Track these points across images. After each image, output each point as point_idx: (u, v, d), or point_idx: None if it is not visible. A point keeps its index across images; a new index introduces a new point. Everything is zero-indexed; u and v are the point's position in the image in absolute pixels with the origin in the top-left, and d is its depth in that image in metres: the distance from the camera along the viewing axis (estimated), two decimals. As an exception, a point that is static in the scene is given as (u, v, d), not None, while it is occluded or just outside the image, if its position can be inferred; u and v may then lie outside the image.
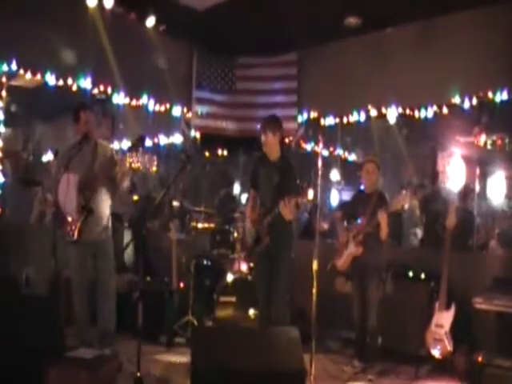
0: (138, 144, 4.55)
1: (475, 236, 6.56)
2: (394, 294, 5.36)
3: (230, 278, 5.70)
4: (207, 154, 9.29)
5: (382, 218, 4.73)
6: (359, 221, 4.95)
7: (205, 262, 6.04)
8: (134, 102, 7.09)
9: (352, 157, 9.51)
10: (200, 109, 7.88)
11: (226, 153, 9.12)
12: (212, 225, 6.53)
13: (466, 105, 6.10)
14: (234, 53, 7.99)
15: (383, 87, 6.78)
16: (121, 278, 5.68)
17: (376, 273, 4.96)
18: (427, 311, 4.99)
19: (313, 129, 7.94)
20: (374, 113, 7.00)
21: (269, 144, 4.53)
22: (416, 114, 6.62)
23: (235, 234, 6.04)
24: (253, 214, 4.62)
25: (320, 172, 4.18)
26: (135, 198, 8.01)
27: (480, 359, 4.32)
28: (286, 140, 7.70)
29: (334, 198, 9.72)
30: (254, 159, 4.88)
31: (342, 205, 5.66)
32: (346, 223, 5.16)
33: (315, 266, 4.16)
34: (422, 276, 5.39)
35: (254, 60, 8.08)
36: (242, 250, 4.97)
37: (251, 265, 5.24)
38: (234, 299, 5.52)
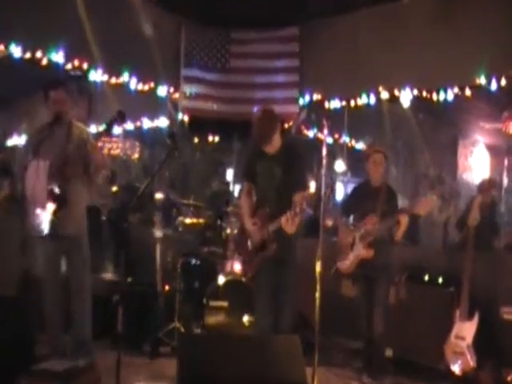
0: (116, 120, 4.41)
1: (502, 235, 6.54)
2: (409, 301, 5.34)
3: (221, 279, 5.68)
4: (197, 139, 9.27)
5: (403, 220, 4.70)
6: (367, 218, 4.90)
7: (193, 262, 6.03)
8: (113, 80, 7.03)
9: (360, 145, 9.51)
10: (189, 89, 7.84)
11: (218, 139, 9.10)
12: (202, 220, 6.51)
13: (493, 86, 6.03)
14: (228, 26, 7.96)
15: (397, 66, 6.75)
16: (98, 278, 5.66)
17: (386, 275, 4.94)
18: (446, 320, 4.94)
19: (316, 113, 7.91)
20: (385, 95, 6.96)
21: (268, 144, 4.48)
22: (434, 96, 6.59)
23: (228, 231, 6.00)
24: (250, 216, 4.52)
25: (324, 161, 4.13)
26: (115, 188, 7.95)
27: (509, 378, 4.29)
28: (286, 125, 7.76)
29: (339, 192, 9.70)
30: (250, 148, 4.79)
31: (344, 199, 5.63)
32: (347, 220, 5.13)
33: (318, 267, 4.09)
34: (440, 280, 5.36)
35: (250, 34, 8.04)
36: (239, 253, 4.90)
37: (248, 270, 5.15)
38: (225, 304, 5.50)
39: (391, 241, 4.87)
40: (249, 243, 4.50)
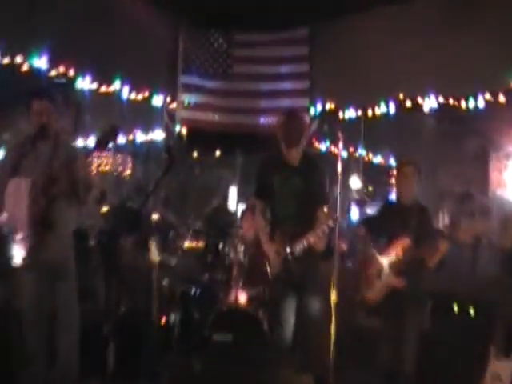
0: (109, 138, 4.40)
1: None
2: (434, 334, 5.31)
3: (224, 309, 5.69)
4: (196, 154, 9.24)
5: (443, 247, 4.65)
6: (397, 242, 4.85)
7: (193, 291, 6.02)
8: (103, 89, 7.07)
9: (377, 159, 9.41)
10: (187, 98, 7.90)
11: (219, 153, 9.11)
12: (202, 243, 6.51)
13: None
14: (231, 28, 8.02)
15: (420, 71, 6.77)
16: (86, 309, 5.40)
17: (418, 307, 4.91)
18: (479, 358, 4.84)
19: (329, 123, 7.78)
20: (406, 103, 7.02)
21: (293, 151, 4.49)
22: (462, 104, 6.63)
23: (231, 255, 5.97)
24: (269, 241, 4.48)
25: (340, 178, 4.11)
26: (105, 208, 7.88)
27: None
28: None
29: (354, 212, 9.62)
30: (263, 161, 4.79)
31: (367, 220, 5.56)
32: (374, 243, 5.07)
33: (334, 296, 4.05)
34: (472, 310, 5.35)
35: (255, 37, 8.11)
36: (253, 283, 4.86)
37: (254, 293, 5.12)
38: (229, 337, 5.45)
39: (423, 267, 4.82)
40: (268, 269, 4.45)
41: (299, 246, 4.29)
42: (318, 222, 4.25)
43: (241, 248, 5.93)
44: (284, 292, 4.41)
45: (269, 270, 4.47)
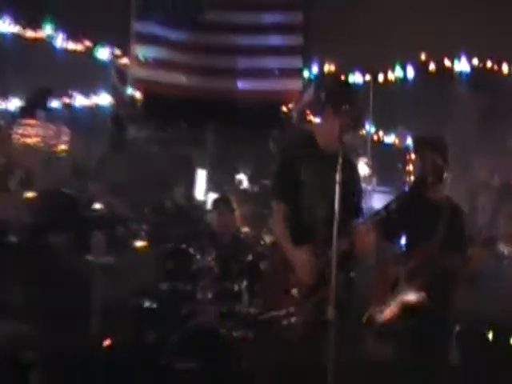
0: (37, 102, 4.26)
1: None
2: (464, 366, 5.34)
3: (190, 330, 5.63)
4: (155, 126, 9.13)
5: (480, 256, 4.60)
6: (420, 247, 4.74)
7: (149, 305, 6.00)
8: (29, 34, 6.97)
9: (390, 139, 9.52)
10: (143, 52, 7.83)
11: (185, 126, 9.02)
12: (161, 243, 6.44)
13: None
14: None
15: (448, 26, 6.74)
16: (2, 328, 5.48)
17: (443, 332, 4.84)
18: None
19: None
20: (429, 66, 7.09)
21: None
22: (505, 67, 6.65)
23: (199, 259, 5.94)
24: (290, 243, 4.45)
25: (340, 161, 3.99)
26: (30, 195, 7.68)
27: None
28: (284, 108, 7.83)
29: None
30: (290, 144, 4.75)
31: (383, 214, 5.56)
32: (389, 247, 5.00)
33: (331, 314, 3.94)
34: None
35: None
36: (276, 303, 4.78)
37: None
38: (196, 366, 5.42)
39: (453, 281, 4.74)
40: (294, 285, 4.34)
41: (340, 248, 4.25)
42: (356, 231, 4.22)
43: (211, 251, 5.93)
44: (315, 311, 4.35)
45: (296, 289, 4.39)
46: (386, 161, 8.97)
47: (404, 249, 4.94)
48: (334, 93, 4.33)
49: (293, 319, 4.28)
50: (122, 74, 7.90)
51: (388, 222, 5.14)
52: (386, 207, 4.18)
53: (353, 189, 4.37)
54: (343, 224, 4.21)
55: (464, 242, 4.72)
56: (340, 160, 4.25)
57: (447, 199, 4.89)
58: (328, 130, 4.27)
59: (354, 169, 4.51)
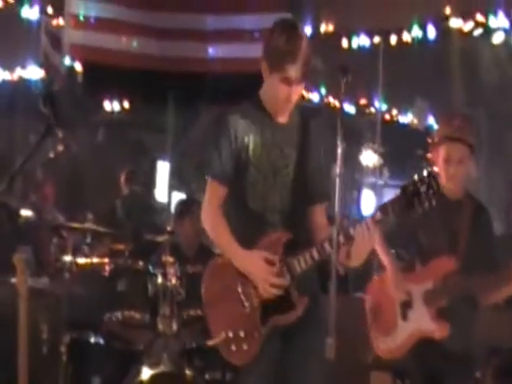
0: None
1: None
2: None
3: (147, 372, 5.63)
4: (100, 106, 9.32)
5: None
6: (437, 261, 4.89)
7: (92, 340, 6.03)
8: None
9: (406, 118, 9.65)
10: (83, 9, 7.82)
11: (139, 105, 9.21)
12: (109, 259, 6.36)
13: None
14: None
15: None
16: None
17: (466, 369, 4.93)
18: None
19: (324, 57, 7.87)
20: (456, 23, 7.07)
21: (290, 93, 4.44)
22: None
23: (159, 279, 5.93)
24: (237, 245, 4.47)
25: (340, 148, 4.12)
26: None
27: None
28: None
29: (368, 203, 9.76)
30: (229, 115, 4.72)
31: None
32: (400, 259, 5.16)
33: (330, 351, 4.07)
34: None
35: None
36: (216, 326, 4.79)
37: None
38: None
39: (476, 310, 4.88)
40: (245, 302, 4.42)
41: (299, 265, 4.29)
42: (319, 228, 4.31)
43: (175, 269, 5.92)
44: (268, 339, 4.41)
45: (247, 303, 4.44)
46: (402, 147, 8.93)
47: (420, 261, 5.03)
48: (266, 45, 4.33)
49: (243, 346, 4.38)
50: (56, 40, 7.94)
51: (399, 227, 5.32)
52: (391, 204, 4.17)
53: (320, 157, 4.42)
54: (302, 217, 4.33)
55: (493, 254, 4.86)
56: (296, 125, 4.39)
57: (470, 198, 5.02)
58: (271, 92, 4.32)
59: (319, 131, 4.51)
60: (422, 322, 4.90)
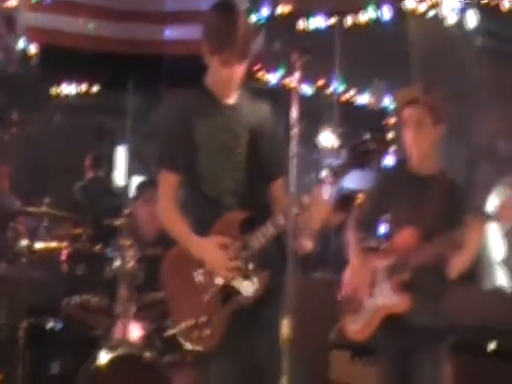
0: None
1: None
2: None
3: (105, 356, 5.58)
4: (57, 89, 9.21)
5: (476, 238, 4.62)
6: (400, 235, 4.85)
7: (51, 324, 6.03)
8: None
9: (364, 98, 9.67)
10: None
11: (97, 88, 9.13)
12: (67, 243, 6.41)
13: None
14: None
15: None
16: None
17: (435, 345, 4.87)
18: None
19: (282, 39, 7.99)
20: (410, 4, 7.20)
21: (231, 74, 4.34)
22: (505, 2, 6.73)
23: (117, 263, 5.90)
24: (190, 233, 4.41)
25: (296, 129, 4.09)
26: None
27: None
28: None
29: (327, 188, 9.80)
30: (175, 99, 4.71)
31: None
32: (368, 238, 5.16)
33: (286, 330, 4.04)
34: None
35: None
36: (180, 315, 4.75)
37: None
38: None
39: (444, 283, 4.83)
40: (204, 287, 4.38)
41: (257, 241, 4.26)
42: (278, 203, 4.30)
43: (133, 252, 5.91)
44: (233, 321, 4.37)
45: (207, 288, 4.41)
46: (360, 128, 9.02)
47: (386, 238, 5.01)
48: (204, 27, 4.33)
49: (205, 331, 4.33)
50: (10, 21, 7.87)
51: (366, 210, 5.31)
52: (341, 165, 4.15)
53: (271, 135, 4.45)
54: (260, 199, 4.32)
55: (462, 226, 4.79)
56: (245, 104, 4.36)
57: (440, 174, 4.94)
58: (214, 75, 4.33)
59: (267, 110, 4.51)
60: (384, 297, 4.86)
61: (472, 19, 7.13)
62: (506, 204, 4.52)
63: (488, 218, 4.55)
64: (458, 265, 4.70)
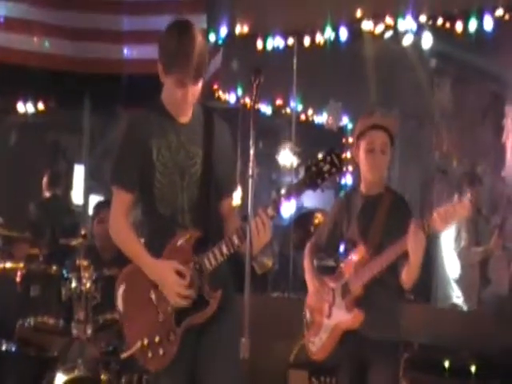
0: None
1: None
2: None
3: (61, 378, 5.61)
4: (10, 107, 9.10)
5: (417, 241, 4.61)
6: (352, 254, 4.90)
7: (4, 347, 5.94)
8: None
9: (321, 117, 9.58)
10: None
11: (50, 105, 9.00)
12: (21, 264, 6.27)
13: None
14: None
15: None
16: None
17: (390, 360, 4.93)
18: None
19: (240, 58, 8.01)
20: (367, 25, 7.10)
21: (186, 94, 4.31)
22: (458, 26, 6.69)
23: (73, 284, 5.88)
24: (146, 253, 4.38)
25: (252, 149, 4.07)
26: None
27: None
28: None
29: (288, 207, 9.77)
30: (130, 118, 4.64)
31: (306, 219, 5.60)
32: (317, 261, 5.19)
33: (245, 350, 4.02)
34: (473, 368, 5.51)
35: None
36: (133, 336, 4.71)
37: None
38: None
39: (397, 296, 4.90)
40: (158, 307, 4.33)
41: (211, 261, 4.25)
42: (228, 222, 4.34)
43: (90, 273, 5.87)
44: (184, 339, 4.36)
45: (160, 309, 4.38)
46: (319, 147, 9.05)
47: (341, 257, 5.06)
48: (160, 47, 4.34)
49: (159, 351, 4.29)
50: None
51: (324, 230, 5.34)
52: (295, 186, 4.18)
53: (223, 153, 4.47)
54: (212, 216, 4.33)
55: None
56: (200, 123, 4.39)
57: (387, 191, 5.00)
58: (168, 94, 4.34)
59: (221, 129, 4.55)
60: (340, 316, 4.90)
61: (427, 41, 7.14)
62: (441, 213, 4.57)
63: (427, 225, 4.57)
64: (408, 274, 4.72)
